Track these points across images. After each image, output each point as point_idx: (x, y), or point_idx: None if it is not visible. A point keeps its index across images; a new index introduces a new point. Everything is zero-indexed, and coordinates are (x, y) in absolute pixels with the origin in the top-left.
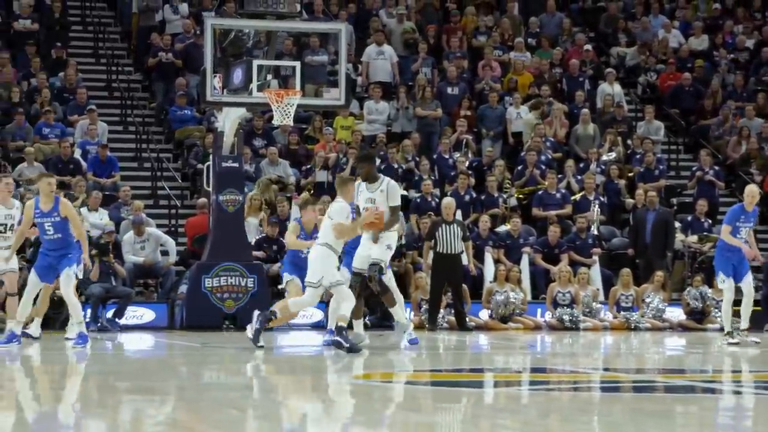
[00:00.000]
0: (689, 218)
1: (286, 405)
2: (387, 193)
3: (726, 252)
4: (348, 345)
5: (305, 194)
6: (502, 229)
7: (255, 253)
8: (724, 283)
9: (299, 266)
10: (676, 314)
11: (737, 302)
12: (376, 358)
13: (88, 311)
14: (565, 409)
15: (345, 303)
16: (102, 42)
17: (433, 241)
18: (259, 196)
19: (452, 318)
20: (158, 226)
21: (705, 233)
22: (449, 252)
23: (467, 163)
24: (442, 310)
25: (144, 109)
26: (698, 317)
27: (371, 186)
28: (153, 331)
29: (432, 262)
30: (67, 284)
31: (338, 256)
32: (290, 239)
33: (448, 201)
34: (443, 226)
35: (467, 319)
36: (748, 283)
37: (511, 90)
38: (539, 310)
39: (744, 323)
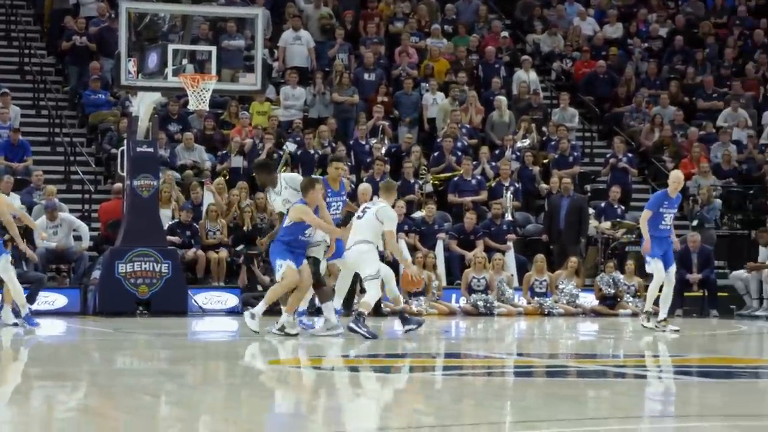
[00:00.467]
0: (603, 205)
1: (199, 391)
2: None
3: (655, 239)
4: (366, 332)
5: (306, 178)
6: (418, 215)
7: (169, 238)
8: (650, 264)
9: (295, 250)
10: (588, 300)
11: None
12: (293, 345)
13: None
14: (479, 393)
15: (367, 295)
16: (14, 24)
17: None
18: (168, 188)
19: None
20: (71, 211)
21: (618, 220)
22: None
23: (384, 149)
24: (357, 297)
25: (57, 93)
26: (611, 303)
27: (276, 189)
28: (65, 316)
29: None
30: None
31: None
32: (318, 221)
33: (364, 187)
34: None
35: (382, 305)
36: (672, 273)
37: (427, 76)
38: (454, 296)
39: (662, 313)
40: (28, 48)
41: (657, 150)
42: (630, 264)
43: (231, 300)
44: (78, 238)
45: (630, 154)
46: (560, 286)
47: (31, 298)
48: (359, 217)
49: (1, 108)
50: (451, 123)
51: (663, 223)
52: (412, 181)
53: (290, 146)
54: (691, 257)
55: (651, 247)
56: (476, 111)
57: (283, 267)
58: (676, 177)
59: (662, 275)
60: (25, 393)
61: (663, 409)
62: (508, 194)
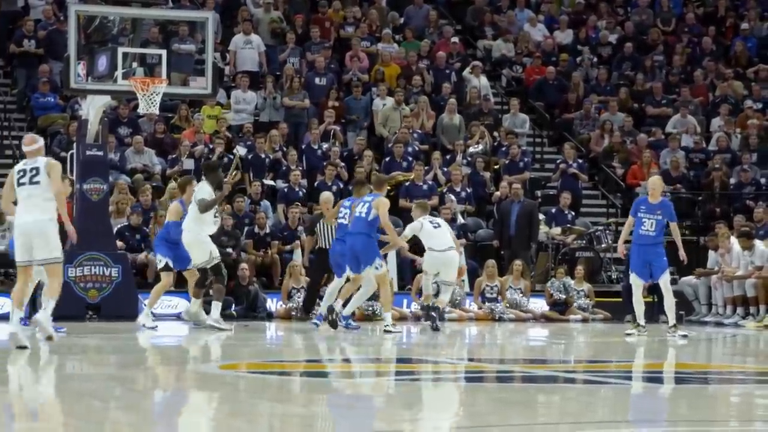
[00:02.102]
0: (553, 211)
1: (149, 395)
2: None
3: (635, 246)
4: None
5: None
6: None
7: (118, 242)
8: (631, 276)
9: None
10: (539, 305)
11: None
12: (243, 348)
13: None
14: (430, 399)
15: (443, 295)
16: None
17: (314, 235)
18: (125, 200)
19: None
20: None
21: (569, 225)
22: (329, 247)
23: (337, 154)
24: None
25: (6, 96)
26: (561, 308)
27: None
28: None
29: (314, 256)
30: None
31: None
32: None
33: (326, 196)
34: (322, 221)
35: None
36: (664, 281)
37: (377, 81)
38: (405, 301)
39: (671, 320)
40: None
41: (607, 156)
42: (579, 269)
43: (181, 304)
44: None
45: (580, 160)
46: (508, 291)
47: None
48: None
49: None
50: (402, 128)
51: (642, 228)
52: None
53: (241, 150)
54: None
55: (630, 256)
56: (427, 116)
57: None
58: (651, 182)
59: (639, 287)
60: None
61: (613, 415)
62: (451, 197)
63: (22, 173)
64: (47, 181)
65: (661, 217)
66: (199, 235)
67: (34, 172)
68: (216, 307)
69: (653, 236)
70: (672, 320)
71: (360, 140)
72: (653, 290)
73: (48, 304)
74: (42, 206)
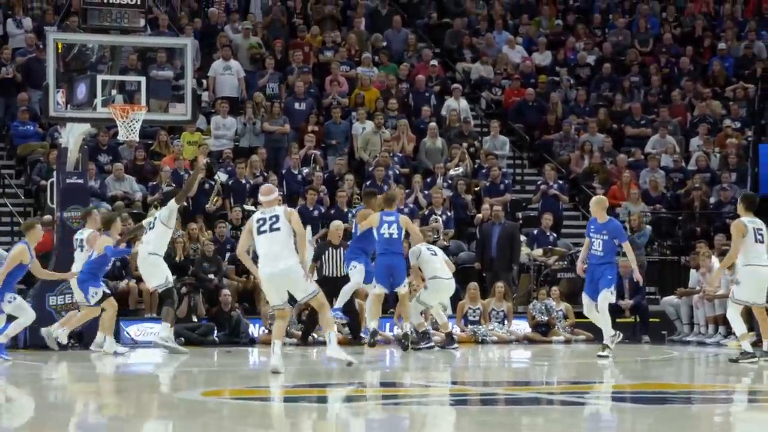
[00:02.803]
0: (535, 232)
1: (132, 424)
2: None
3: (588, 265)
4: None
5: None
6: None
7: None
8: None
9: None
10: (522, 327)
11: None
12: (225, 375)
13: None
14: (415, 422)
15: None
16: None
17: (318, 262)
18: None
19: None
20: (0, 243)
21: (550, 246)
22: (335, 275)
23: (318, 178)
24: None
25: None
26: (543, 330)
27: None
28: None
29: (317, 282)
30: None
31: None
32: None
33: (336, 225)
34: (329, 249)
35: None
36: (601, 298)
37: (357, 105)
38: (387, 325)
39: (605, 338)
40: None
41: (587, 177)
42: (554, 290)
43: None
44: None
45: (560, 181)
46: (491, 314)
47: None
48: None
49: None
50: (382, 152)
51: (592, 249)
52: (346, 210)
53: (222, 176)
54: (622, 283)
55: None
56: (408, 140)
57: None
58: (593, 201)
59: (591, 307)
60: None
61: None
62: (437, 217)
63: (261, 222)
64: (288, 226)
65: (608, 237)
66: (159, 256)
67: (273, 219)
68: (164, 328)
69: (600, 256)
70: (606, 339)
71: (340, 161)
72: (635, 310)
73: (330, 336)
74: (289, 253)
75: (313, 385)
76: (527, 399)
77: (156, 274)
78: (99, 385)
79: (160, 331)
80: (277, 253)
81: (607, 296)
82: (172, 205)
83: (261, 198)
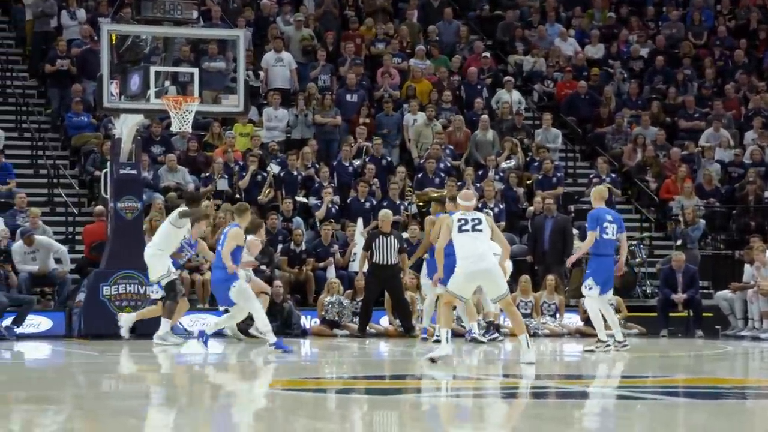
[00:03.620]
0: (585, 225)
1: (185, 414)
2: None
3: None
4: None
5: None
6: (404, 236)
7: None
8: (591, 290)
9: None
10: (573, 320)
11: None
12: (277, 366)
13: None
14: (465, 415)
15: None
16: None
17: (369, 251)
18: (159, 216)
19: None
20: (55, 233)
21: None
22: (385, 263)
23: (371, 170)
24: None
25: (40, 116)
26: None
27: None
28: (50, 339)
29: (368, 271)
30: None
31: None
32: None
33: (385, 213)
34: (380, 237)
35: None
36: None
37: (409, 97)
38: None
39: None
40: (10, 71)
41: (640, 170)
42: None
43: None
44: (59, 261)
45: (613, 175)
46: (543, 307)
47: (19, 320)
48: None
49: None
50: (434, 144)
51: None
52: (398, 202)
53: (274, 168)
54: (676, 277)
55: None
56: (463, 134)
57: None
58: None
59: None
60: (6, 416)
61: (650, 430)
62: (488, 211)
63: (463, 221)
64: (489, 230)
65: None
66: (162, 252)
67: (476, 221)
68: (165, 324)
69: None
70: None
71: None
72: (688, 304)
73: (524, 340)
74: (486, 252)
75: (365, 377)
76: (579, 393)
77: (157, 267)
78: (154, 375)
79: (160, 328)
80: (481, 251)
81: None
82: (185, 213)
83: (461, 202)
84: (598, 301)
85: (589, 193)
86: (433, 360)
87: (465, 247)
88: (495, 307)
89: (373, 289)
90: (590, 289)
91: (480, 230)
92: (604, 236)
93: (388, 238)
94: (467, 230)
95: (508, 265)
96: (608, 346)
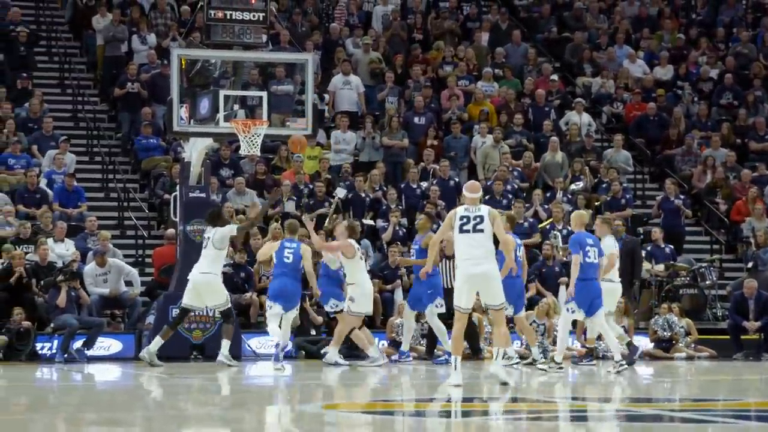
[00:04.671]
0: (648, 247)
1: None
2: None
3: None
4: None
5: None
6: None
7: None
8: (574, 313)
9: None
10: (643, 343)
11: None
12: (346, 388)
13: (56, 342)
14: None
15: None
16: (68, 72)
17: None
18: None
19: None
20: (125, 256)
21: (672, 263)
22: (449, 286)
23: (438, 192)
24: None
25: (110, 140)
26: (665, 345)
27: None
28: (120, 361)
29: None
30: None
31: None
32: None
33: (448, 236)
34: (444, 261)
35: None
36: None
37: (480, 120)
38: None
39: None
40: (81, 95)
41: (709, 192)
42: (674, 306)
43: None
44: (129, 284)
45: (682, 197)
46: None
47: (89, 343)
48: None
49: (58, 154)
50: (500, 166)
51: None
52: None
53: (340, 192)
54: (747, 304)
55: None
56: (533, 157)
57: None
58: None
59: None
60: None
61: None
62: (556, 233)
63: (465, 220)
64: (490, 229)
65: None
66: (218, 278)
67: (477, 220)
68: (225, 345)
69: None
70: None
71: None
72: (762, 329)
73: (498, 352)
74: (489, 256)
75: (430, 400)
76: (650, 416)
77: (214, 294)
78: (222, 397)
79: (222, 348)
80: (480, 256)
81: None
82: (229, 231)
83: (466, 193)
84: (577, 322)
85: (657, 214)
86: (504, 383)
87: (464, 249)
88: (591, 331)
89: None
90: (573, 312)
91: (481, 230)
92: (587, 260)
93: (452, 261)
94: (468, 231)
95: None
96: (623, 365)
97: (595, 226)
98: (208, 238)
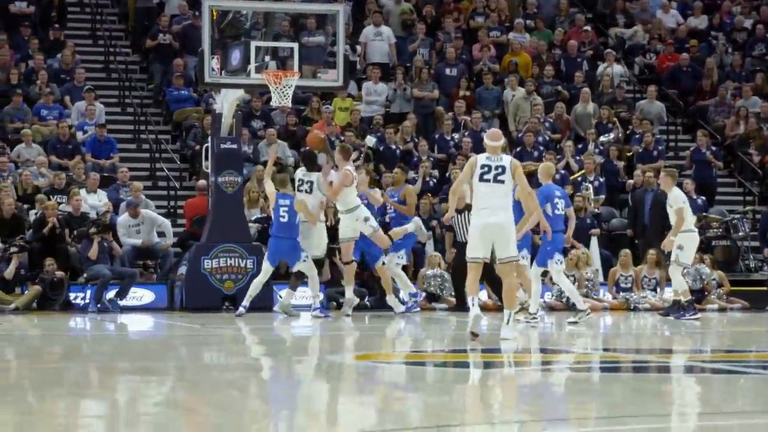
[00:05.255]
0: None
1: (286, 385)
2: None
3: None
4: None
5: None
6: None
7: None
8: (561, 263)
9: None
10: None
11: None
12: (376, 339)
13: (89, 292)
14: (566, 389)
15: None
16: (99, 23)
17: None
18: (257, 188)
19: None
20: (157, 207)
21: (704, 214)
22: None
23: (471, 144)
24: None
25: (142, 91)
26: (697, 297)
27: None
28: (152, 312)
29: (456, 249)
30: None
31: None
32: None
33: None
34: (458, 214)
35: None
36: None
37: (510, 71)
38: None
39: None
40: (113, 46)
41: (743, 143)
42: (706, 257)
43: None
44: (162, 235)
45: (714, 148)
46: (644, 281)
47: (122, 293)
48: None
49: (87, 105)
50: (531, 118)
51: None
52: None
53: (370, 140)
54: None
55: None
56: (564, 108)
57: None
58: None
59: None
60: (112, 388)
61: (753, 405)
62: (588, 185)
63: (486, 169)
64: (511, 180)
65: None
66: (321, 226)
67: (499, 170)
68: (289, 295)
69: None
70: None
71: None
72: None
73: (509, 315)
74: (506, 207)
75: (463, 351)
76: (681, 367)
77: (318, 243)
78: (254, 347)
79: (286, 298)
80: (497, 206)
81: (553, 266)
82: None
83: (487, 142)
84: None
85: (689, 166)
86: (474, 334)
87: (482, 198)
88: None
89: (463, 266)
90: (560, 263)
91: (501, 181)
92: (556, 212)
93: (463, 214)
94: (488, 180)
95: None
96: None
97: (660, 179)
98: (310, 182)
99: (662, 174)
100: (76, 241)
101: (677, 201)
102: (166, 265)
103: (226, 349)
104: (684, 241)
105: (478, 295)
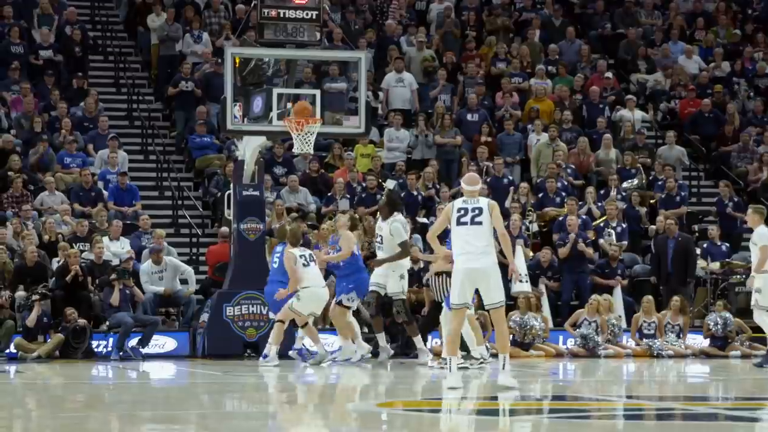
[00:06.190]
0: (704, 245)
1: None
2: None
3: None
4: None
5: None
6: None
7: None
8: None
9: None
10: (698, 341)
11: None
12: (399, 386)
13: (111, 340)
14: None
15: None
16: (122, 72)
17: None
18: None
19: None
20: (179, 254)
21: (727, 260)
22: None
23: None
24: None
25: (165, 138)
26: (720, 344)
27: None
28: (175, 359)
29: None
30: None
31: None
32: None
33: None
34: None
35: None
36: None
37: (532, 117)
38: (561, 337)
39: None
40: (136, 94)
41: (766, 189)
42: (727, 304)
43: (338, 342)
44: (184, 282)
45: (736, 199)
46: (667, 327)
47: (144, 341)
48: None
49: (110, 153)
50: (551, 164)
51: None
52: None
53: (390, 184)
54: None
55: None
56: (587, 156)
57: None
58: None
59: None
60: None
61: None
62: (609, 230)
63: (463, 212)
64: (489, 221)
65: None
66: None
67: (476, 212)
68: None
69: None
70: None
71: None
72: None
73: (504, 360)
74: (487, 251)
75: (481, 399)
76: (704, 414)
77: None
78: (276, 395)
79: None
80: (479, 249)
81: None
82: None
83: (464, 186)
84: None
85: (715, 217)
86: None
87: (462, 241)
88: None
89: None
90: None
91: (479, 222)
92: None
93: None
94: (465, 222)
95: (519, 255)
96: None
97: (746, 216)
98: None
99: (750, 210)
100: (99, 289)
101: (762, 239)
102: (188, 312)
103: (248, 396)
104: (763, 284)
105: (458, 356)
